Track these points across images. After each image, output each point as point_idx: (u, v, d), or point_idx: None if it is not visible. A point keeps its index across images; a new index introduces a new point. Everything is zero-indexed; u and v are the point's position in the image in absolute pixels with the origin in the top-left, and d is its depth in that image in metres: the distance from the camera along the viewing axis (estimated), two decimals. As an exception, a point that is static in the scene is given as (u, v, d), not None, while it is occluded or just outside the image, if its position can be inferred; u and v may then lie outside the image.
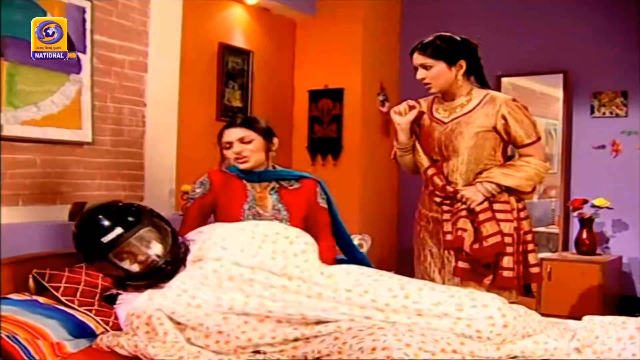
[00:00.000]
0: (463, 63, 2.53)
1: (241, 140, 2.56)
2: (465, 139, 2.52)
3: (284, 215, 2.56)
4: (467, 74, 2.58)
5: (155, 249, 2.19)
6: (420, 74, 2.56)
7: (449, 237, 2.52)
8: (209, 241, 2.22)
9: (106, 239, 2.11)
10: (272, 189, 2.61)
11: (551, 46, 4.62)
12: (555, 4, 4.66)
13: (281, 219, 2.53)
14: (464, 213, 2.50)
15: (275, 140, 2.66)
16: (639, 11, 4.39)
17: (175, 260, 2.22)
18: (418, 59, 2.56)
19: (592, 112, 4.58)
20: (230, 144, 2.58)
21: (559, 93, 4.67)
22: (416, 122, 2.65)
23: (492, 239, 2.44)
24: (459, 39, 2.57)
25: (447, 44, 2.54)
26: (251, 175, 2.60)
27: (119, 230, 2.13)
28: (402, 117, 2.61)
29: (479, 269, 2.50)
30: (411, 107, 2.61)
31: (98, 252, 2.14)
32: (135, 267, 2.17)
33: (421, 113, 2.64)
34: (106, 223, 2.14)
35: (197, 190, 2.61)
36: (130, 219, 2.18)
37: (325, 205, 2.67)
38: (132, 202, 2.39)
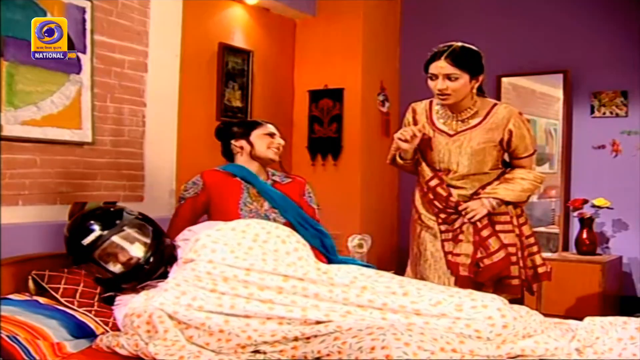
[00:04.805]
0: (481, 77, 2.53)
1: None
2: (472, 153, 2.55)
3: (286, 203, 2.66)
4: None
5: (136, 249, 2.26)
6: (442, 84, 2.47)
7: (450, 257, 2.57)
8: (199, 242, 2.22)
9: (86, 241, 2.21)
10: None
11: (551, 46, 4.62)
12: (555, 4, 4.65)
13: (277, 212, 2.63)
14: (464, 228, 2.53)
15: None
16: (639, 11, 4.39)
17: (159, 259, 2.28)
18: (446, 68, 2.45)
19: (592, 112, 4.57)
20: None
21: (559, 93, 4.67)
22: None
23: (499, 254, 2.48)
24: (475, 49, 2.53)
25: (472, 56, 2.49)
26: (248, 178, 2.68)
27: (97, 233, 2.22)
28: (407, 144, 2.56)
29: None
30: (413, 137, 2.56)
31: (81, 255, 2.24)
32: (118, 268, 2.25)
33: (428, 138, 2.62)
34: (87, 226, 2.24)
35: (190, 190, 2.65)
36: (110, 221, 2.27)
37: (313, 205, 2.78)
38: (121, 206, 2.45)
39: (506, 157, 2.68)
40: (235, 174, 2.68)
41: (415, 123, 2.67)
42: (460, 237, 2.55)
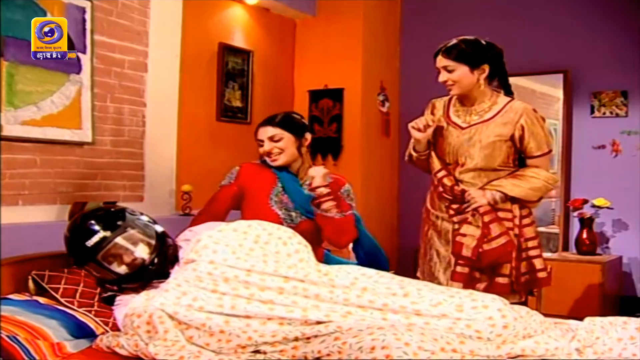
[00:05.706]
0: (486, 67, 2.52)
1: (271, 139, 2.61)
2: (481, 147, 2.54)
3: (309, 207, 2.60)
4: (489, 78, 2.57)
5: (141, 250, 2.24)
6: (443, 76, 2.54)
7: (456, 238, 2.53)
8: (200, 243, 2.22)
9: (90, 242, 2.17)
10: (306, 182, 2.65)
11: (551, 46, 4.63)
12: (555, 4, 4.66)
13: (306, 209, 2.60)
14: (469, 215, 2.52)
15: (308, 135, 2.68)
16: (639, 11, 4.39)
17: (163, 260, 2.26)
18: (441, 61, 2.53)
19: (592, 112, 4.58)
20: (262, 141, 2.63)
21: (559, 93, 4.67)
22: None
23: (502, 239, 2.46)
24: (483, 42, 2.55)
25: (471, 47, 2.51)
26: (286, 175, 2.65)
27: (101, 234, 2.19)
28: (420, 134, 2.58)
29: (475, 273, 2.52)
30: (427, 127, 2.57)
31: (85, 256, 2.20)
32: (122, 269, 2.22)
33: (440, 128, 2.62)
34: (90, 227, 2.20)
35: (226, 179, 2.68)
36: (113, 222, 2.23)
37: (349, 201, 2.68)
38: (123, 206, 2.42)
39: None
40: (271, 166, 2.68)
41: None
42: (470, 219, 2.54)
